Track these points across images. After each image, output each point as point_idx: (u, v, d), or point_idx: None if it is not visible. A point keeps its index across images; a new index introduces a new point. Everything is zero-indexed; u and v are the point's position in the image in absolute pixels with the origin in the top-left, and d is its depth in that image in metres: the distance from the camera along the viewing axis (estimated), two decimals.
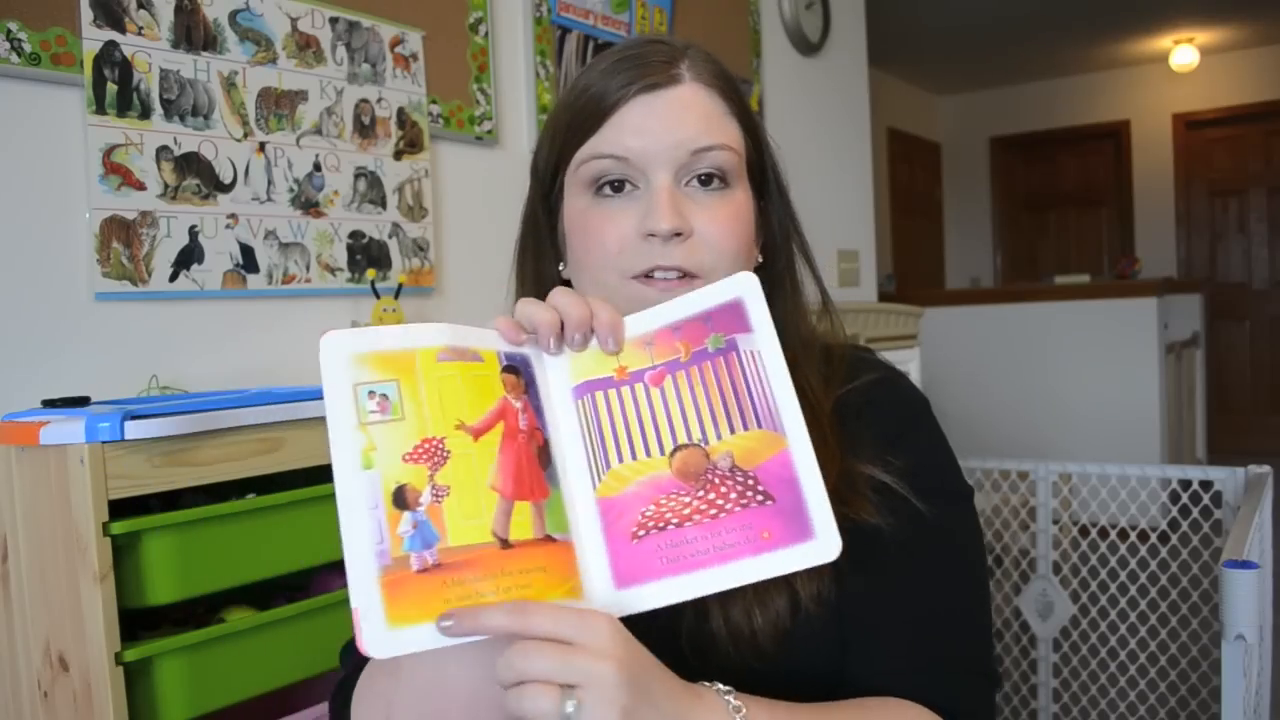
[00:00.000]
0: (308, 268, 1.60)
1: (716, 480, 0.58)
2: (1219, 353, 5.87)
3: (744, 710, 0.57)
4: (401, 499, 0.53)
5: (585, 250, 0.72)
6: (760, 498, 0.57)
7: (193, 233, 1.44)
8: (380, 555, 0.52)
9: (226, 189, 1.48)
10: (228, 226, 1.48)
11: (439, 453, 0.54)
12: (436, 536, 0.53)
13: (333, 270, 1.63)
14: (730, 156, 0.72)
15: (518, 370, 0.59)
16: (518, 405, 0.58)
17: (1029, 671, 2.01)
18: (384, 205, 1.72)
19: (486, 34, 1.93)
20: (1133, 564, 1.91)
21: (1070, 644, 2.16)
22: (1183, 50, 5.67)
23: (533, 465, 0.57)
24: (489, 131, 1.93)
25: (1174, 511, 1.83)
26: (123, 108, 1.36)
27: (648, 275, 0.70)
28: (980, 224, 6.77)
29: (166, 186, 1.40)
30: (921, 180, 6.43)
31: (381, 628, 0.50)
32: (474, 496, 0.54)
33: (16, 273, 1.27)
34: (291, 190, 1.57)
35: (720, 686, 0.59)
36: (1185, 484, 1.90)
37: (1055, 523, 2.03)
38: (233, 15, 1.49)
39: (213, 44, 1.47)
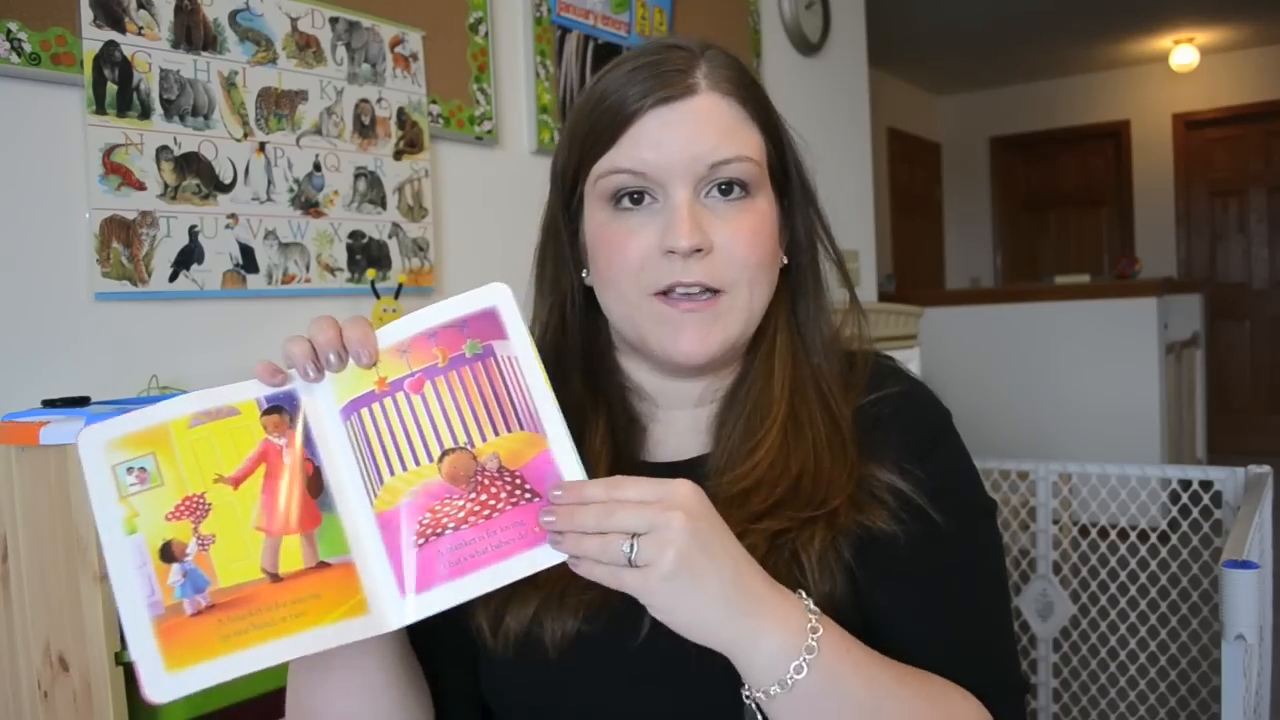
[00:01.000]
0: (307, 268, 1.60)
1: (486, 481, 0.61)
2: (1219, 353, 5.87)
3: (818, 613, 0.60)
4: (168, 553, 0.57)
5: (608, 264, 0.71)
6: (529, 495, 0.60)
7: (193, 233, 1.44)
8: (153, 607, 0.56)
9: (226, 189, 1.48)
10: (228, 226, 1.48)
11: (200, 507, 0.59)
12: (207, 581, 0.57)
13: (333, 270, 1.63)
14: (749, 167, 0.70)
15: (282, 408, 0.62)
16: (280, 443, 0.61)
17: (1029, 671, 2.01)
18: (384, 205, 1.72)
19: (486, 34, 1.93)
20: (1133, 564, 1.91)
21: (1070, 644, 2.16)
22: (1183, 50, 5.67)
23: (302, 497, 0.60)
24: (489, 131, 1.93)
25: (1174, 511, 1.83)
26: (123, 108, 1.36)
27: (669, 291, 0.69)
28: (980, 224, 6.77)
29: (166, 186, 1.40)
30: (921, 180, 6.43)
31: (159, 673, 0.55)
32: (239, 540, 0.59)
33: (16, 273, 1.27)
34: (291, 190, 1.57)
35: (804, 594, 0.62)
36: (1185, 484, 1.90)
37: (1055, 523, 2.03)
38: (233, 15, 1.49)
39: (213, 44, 1.47)
